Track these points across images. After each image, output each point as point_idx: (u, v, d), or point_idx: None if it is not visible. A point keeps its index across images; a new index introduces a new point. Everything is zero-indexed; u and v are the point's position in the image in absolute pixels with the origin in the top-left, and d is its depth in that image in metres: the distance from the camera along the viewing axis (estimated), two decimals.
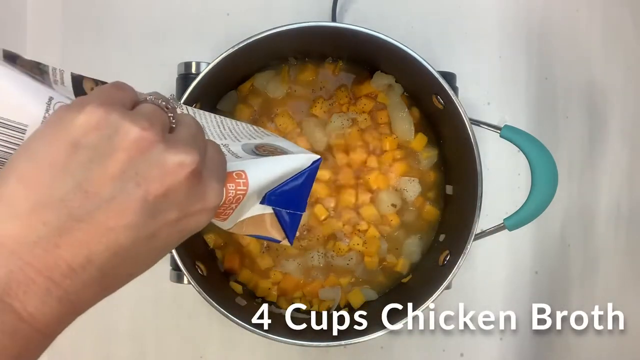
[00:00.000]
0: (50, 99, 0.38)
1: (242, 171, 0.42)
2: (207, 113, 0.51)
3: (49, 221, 0.32)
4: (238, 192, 0.41)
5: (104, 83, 0.42)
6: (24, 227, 0.32)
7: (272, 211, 0.46)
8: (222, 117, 0.52)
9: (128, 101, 0.37)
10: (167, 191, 0.34)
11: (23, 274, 0.31)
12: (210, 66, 0.71)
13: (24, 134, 0.37)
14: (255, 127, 0.53)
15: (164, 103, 0.38)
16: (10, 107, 0.37)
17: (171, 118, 0.38)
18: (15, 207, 0.32)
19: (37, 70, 0.39)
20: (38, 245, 0.32)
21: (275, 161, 0.45)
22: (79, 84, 0.41)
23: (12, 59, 0.38)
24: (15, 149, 0.37)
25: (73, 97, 0.40)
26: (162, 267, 0.79)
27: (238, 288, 0.82)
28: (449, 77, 0.79)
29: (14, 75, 0.37)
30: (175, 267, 0.76)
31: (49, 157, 0.33)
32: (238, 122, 0.52)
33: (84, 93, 0.41)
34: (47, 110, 0.38)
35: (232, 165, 0.42)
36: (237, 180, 0.41)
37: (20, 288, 0.31)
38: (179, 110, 0.39)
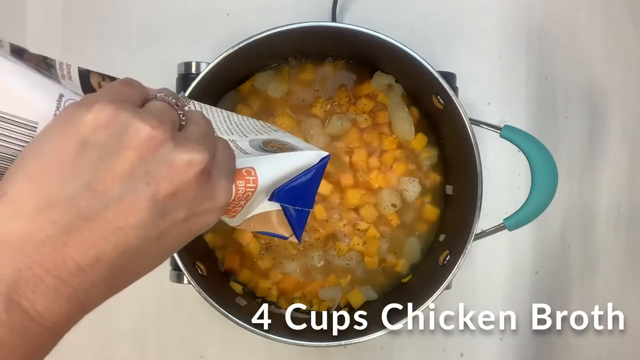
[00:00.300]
0: (61, 96, 0.37)
1: (252, 168, 0.41)
2: (214, 108, 0.50)
3: (57, 220, 0.32)
4: (247, 189, 0.41)
5: (111, 77, 0.41)
6: (30, 225, 0.32)
7: (279, 208, 0.45)
8: (229, 112, 0.51)
9: (138, 98, 0.36)
10: (176, 190, 0.34)
11: (32, 272, 0.31)
12: (210, 66, 0.71)
13: (34, 131, 0.36)
14: (261, 122, 0.52)
15: (173, 100, 0.37)
16: (20, 104, 0.36)
17: (181, 115, 0.37)
18: (22, 205, 0.32)
19: (44, 65, 0.38)
20: (46, 244, 0.31)
21: (284, 158, 0.44)
22: (86, 79, 0.40)
23: (19, 53, 0.37)
24: (24, 147, 0.37)
25: (80, 91, 0.39)
26: (163, 267, 0.78)
27: (238, 288, 0.82)
28: (449, 77, 0.79)
29: (22, 71, 0.36)
30: (175, 267, 0.76)
31: (57, 155, 0.33)
32: (244, 117, 0.52)
33: (91, 87, 0.40)
34: (57, 108, 0.37)
35: (241, 161, 0.42)
36: (246, 177, 0.41)
37: (29, 287, 0.31)
38: (186, 107, 0.39)
